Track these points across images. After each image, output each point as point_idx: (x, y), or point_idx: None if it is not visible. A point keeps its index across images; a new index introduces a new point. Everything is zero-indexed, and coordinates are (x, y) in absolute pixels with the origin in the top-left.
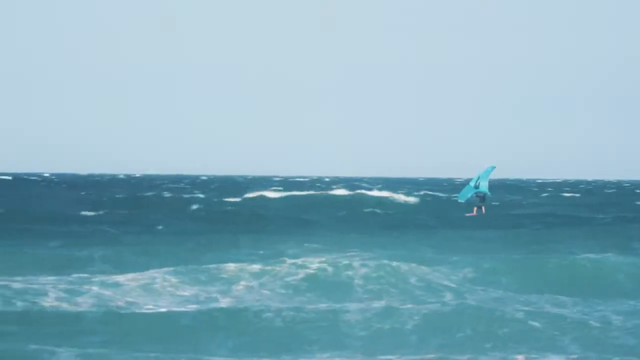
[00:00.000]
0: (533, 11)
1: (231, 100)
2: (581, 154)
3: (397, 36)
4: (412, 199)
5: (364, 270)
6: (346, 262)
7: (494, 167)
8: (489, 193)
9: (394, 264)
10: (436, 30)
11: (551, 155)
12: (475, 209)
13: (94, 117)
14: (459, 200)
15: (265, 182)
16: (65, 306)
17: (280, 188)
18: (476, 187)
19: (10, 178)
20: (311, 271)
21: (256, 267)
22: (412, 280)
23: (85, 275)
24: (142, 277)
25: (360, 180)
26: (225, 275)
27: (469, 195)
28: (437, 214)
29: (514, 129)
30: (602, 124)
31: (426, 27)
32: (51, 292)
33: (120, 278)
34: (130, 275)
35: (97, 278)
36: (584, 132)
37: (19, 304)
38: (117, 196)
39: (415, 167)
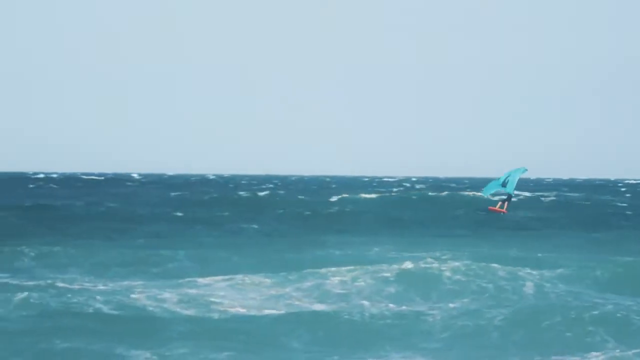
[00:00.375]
0: (533, 11)
1: (231, 100)
2: (581, 154)
3: (397, 36)
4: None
5: (450, 269)
6: (433, 261)
7: (525, 170)
8: (513, 194)
9: (482, 264)
10: (436, 30)
11: (551, 155)
12: (499, 204)
13: (94, 117)
14: (483, 194)
15: (354, 182)
16: (150, 306)
17: (370, 188)
18: (503, 185)
19: (102, 178)
20: (398, 271)
21: (344, 268)
22: (499, 280)
23: (174, 275)
24: (230, 277)
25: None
26: (313, 275)
27: (493, 191)
28: (532, 213)
29: (514, 129)
30: (602, 123)
31: (426, 27)
32: (138, 292)
33: (207, 279)
34: (219, 277)
35: (185, 279)
36: (584, 132)
37: (106, 303)
38: (210, 197)
39: (415, 167)
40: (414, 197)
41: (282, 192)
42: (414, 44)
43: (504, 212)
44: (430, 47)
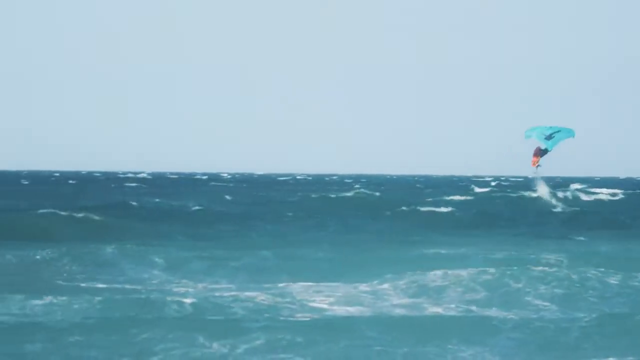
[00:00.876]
0: (533, 11)
1: (231, 100)
2: (581, 154)
3: (397, 36)
4: (607, 197)
5: (540, 269)
6: (524, 261)
7: (573, 136)
8: (549, 149)
9: (574, 263)
10: (436, 30)
11: (551, 155)
12: (535, 159)
13: (94, 117)
14: (525, 137)
15: (442, 182)
16: (232, 304)
17: (456, 189)
18: (547, 137)
19: (177, 177)
20: (490, 275)
21: (438, 271)
22: (590, 279)
23: (258, 274)
24: (316, 275)
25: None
26: (406, 275)
27: (534, 136)
28: (627, 212)
29: (514, 129)
30: (602, 123)
31: (426, 27)
32: (221, 290)
33: (291, 277)
34: (304, 274)
35: (270, 277)
36: (584, 132)
37: (185, 298)
38: (301, 196)
39: (415, 166)
40: (511, 194)
41: (376, 192)
42: (414, 44)
43: (534, 166)
44: (430, 47)
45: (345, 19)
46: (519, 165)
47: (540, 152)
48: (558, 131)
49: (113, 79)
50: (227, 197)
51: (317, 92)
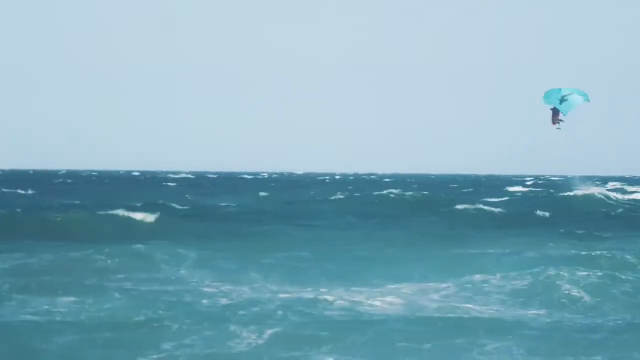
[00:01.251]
0: (533, 11)
1: (231, 100)
2: (582, 153)
3: (397, 36)
4: None
5: (578, 271)
6: (564, 264)
7: (588, 100)
8: (564, 115)
9: (616, 268)
10: (436, 30)
11: (551, 155)
12: (553, 116)
13: (93, 117)
14: (544, 102)
15: (480, 182)
16: (266, 300)
17: (494, 189)
18: (561, 101)
19: (217, 177)
20: (528, 274)
21: (477, 271)
22: (632, 283)
23: (296, 276)
24: (359, 276)
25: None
26: (444, 278)
27: (550, 101)
28: None
29: (514, 129)
30: (602, 123)
31: (426, 27)
32: (260, 294)
33: (334, 280)
34: (342, 274)
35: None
36: (584, 132)
37: (221, 298)
38: (344, 195)
39: (415, 166)
40: (551, 193)
41: (424, 192)
42: (414, 44)
43: (554, 125)
44: (431, 47)
45: (345, 19)
46: (556, 164)
47: (556, 112)
48: (571, 94)
49: (113, 79)
50: (264, 194)
51: (317, 92)
